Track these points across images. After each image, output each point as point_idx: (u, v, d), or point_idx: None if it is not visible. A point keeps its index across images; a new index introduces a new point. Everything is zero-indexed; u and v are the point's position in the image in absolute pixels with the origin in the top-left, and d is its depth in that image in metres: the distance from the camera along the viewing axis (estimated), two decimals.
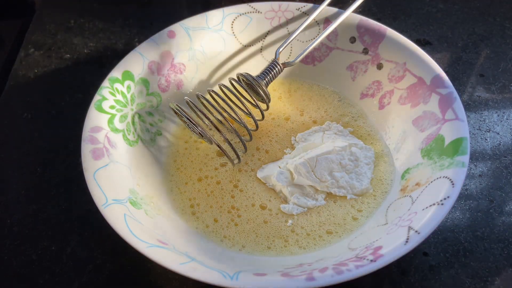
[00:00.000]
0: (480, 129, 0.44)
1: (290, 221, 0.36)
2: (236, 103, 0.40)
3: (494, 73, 0.49)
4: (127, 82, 0.39)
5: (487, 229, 0.38)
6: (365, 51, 0.42)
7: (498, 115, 0.45)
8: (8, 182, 0.42)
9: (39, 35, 0.55)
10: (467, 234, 0.37)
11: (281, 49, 0.40)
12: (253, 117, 0.39)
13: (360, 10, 0.56)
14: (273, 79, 0.40)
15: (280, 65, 0.40)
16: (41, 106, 0.48)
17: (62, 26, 0.56)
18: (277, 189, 0.38)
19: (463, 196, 0.40)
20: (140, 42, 0.42)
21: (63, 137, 0.45)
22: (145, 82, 0.40)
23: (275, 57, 0.40)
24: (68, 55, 0.53)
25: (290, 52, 0.45)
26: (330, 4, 0.43)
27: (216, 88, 0.40)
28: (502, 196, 0.40)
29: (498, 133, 0.44)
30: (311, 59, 0.45)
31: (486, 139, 0.44)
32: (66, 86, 0.50)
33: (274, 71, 0.39)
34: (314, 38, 0.44)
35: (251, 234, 0.36)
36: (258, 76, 0.39)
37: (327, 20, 0.43)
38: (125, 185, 0.34)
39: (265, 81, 0.39)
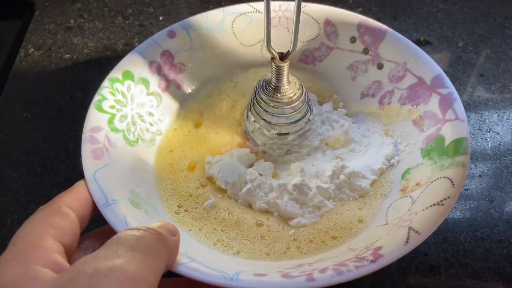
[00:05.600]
0: (480, 129, 0.44)
1: (292, 231, 0.35)
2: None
3: (494, 73, 0.49)
4: (127, 82, 0.39)
5: (487, 229, 0.38)
6: (365, 51, 0.42)
7: (498, 115, 0.45)
8: (8, 182, 0.42)
9: (39, 35, 0.55)
10: (467, 234, 0.37)
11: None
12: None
13: (360, 10, 0.56)
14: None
15: (279, 62, 0.37)
16: (41, 106, 0.48)
17: (62, 26, 0.56)
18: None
19: (463, 196, 0.40)
20: (140, 42, 0.42)
21: (63, 137, 0.45)
22: (145, 82, 0.40)
23: (273, 55, 0.37)
24: (68, 55, 0.53)
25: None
26: (330, 4, 0.43)
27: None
28: (502, 196, 0.40)
29: (498, 133, 0.44)
30: (311, 59, 0.45)
31: (486, 139, 0.44)
32: (66, 86, 0.50)
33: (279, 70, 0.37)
34: (314, 38, 0.44)
35: (246, 243, 0.34)
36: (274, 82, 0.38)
37: (328, 20, 0.43)
38: (125, 185, 0.34)
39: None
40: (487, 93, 0.47)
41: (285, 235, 0.35)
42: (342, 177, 0.37)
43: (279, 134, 0.39)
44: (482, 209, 0.39)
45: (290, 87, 0.38)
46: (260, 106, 0.38)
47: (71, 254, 0.27)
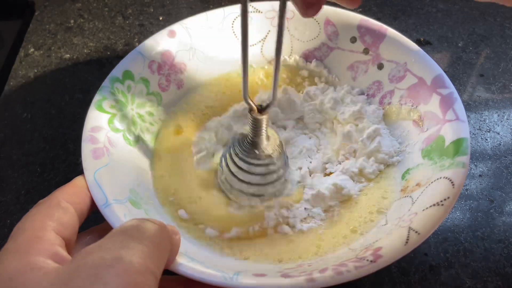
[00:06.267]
0: (480, 129, 0.44)
1: (321, 230, 0.34)
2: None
3: (494, 73, 0.49)
4: (127, 82, 0.39)
5: (487, 229, 0.38)
6: (366, 51, 0.42)
7: (498, 115, 0.45)
8: (8, 182, 0.42)
9: (39, 35, 0.55)
10: (467, 234, 0.37)
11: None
12: None
13: (360, 10, 0.56)
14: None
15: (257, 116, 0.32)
16: (41, 106, 0.48)
17: (62, 26, 0.56)
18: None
19: (463, 196, 0.40)
20: (140, 42, 0.42)
21: (63, 137, 0.45)
22: (145, 81, 0.40)
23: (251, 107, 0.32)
24: (68, 55, 0.53)
25: (291, 51, 0.45)
26: (330, 4, 0.43)
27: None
28: (503, 196, 0.40)
29: (498, 133, 0.44)
30: (311, 59, 0.45)
31: (486, 139, 0.44)
32: (66, 86, 0.50)
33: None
34: (315, 38, 0.44)
35: (263, 249, 0.34)
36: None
37: (328, 20, 0.43)
38: (125, 185, 0.34)
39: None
40: (487, 93, 0.47)
41: (313, 237, 0.34)
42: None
43: (253, 195, 0.35)
44: (482, 209, 0.39)
45: (269, 143, 0.34)
46: (234, 163, 0.35)
47: (70, 248, 0.27)
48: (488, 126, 0.45)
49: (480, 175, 0.41)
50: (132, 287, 0.20)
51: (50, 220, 0.26)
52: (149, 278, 0.21)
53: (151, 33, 0.42)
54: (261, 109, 0.32)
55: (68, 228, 0.27)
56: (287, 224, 0.35)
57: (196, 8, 0.57)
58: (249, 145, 0.34)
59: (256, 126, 0.33)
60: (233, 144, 0.35)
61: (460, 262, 0.36)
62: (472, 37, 0.53)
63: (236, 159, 0.34)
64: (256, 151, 0.34)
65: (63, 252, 0.24)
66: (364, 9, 0.56)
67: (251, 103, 0.31)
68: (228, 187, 0.36)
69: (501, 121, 0.45)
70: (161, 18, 0.56)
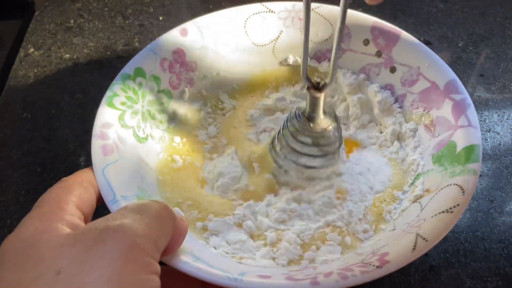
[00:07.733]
0: (480, 129, 0.44)
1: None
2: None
3: (494, 73, 0.49)
4: (138, 79, 0.38)
5: (487, 229, 0.38)
6: (379, 54, 0.41)
7: (498, 115, 0.45)
8: (8, 182, 0.42)
9: (39, 35, 0.55)
10: (467, 234, 0.37)
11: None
12: None
13: (360, 10, 0.56)
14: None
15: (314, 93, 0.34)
16: (41, 106, 0.48)
17: (62, 26, 0.56)
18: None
19: None
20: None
21: (63, 137, 0.45)
22: (156, 79, 0.40)
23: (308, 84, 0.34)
24: (68, 55, 0.53)
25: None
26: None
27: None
28: (503, 196, 0.40)
29: (498, 133, 0.44)
30: (324, 60, 0.44)
31: (486, 139, 0.44)
32: (66, 86, 0.50)
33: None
34: (327, 40, 0.44)
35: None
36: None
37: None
38: (134, 182, 0.34)
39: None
40: (487, 93, 0.47)
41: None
42: None
43: (306, 167, 0.37)
44: (482, 209, 0.39)
45: (325, 118, 0.36)
46: (291, 135, 0.36)
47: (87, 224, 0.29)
48: (488, 126, 0.45)
49: (480, 175, 0.41)
50: (131, 247, 0.23)
51: (72, 195, 0.29)
52: (147, 242, 0.24)
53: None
54: (319, 87, 0.33)
55: (87, 205, 0.29)
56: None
57: (196, 8, 0.57)
58: (306, 119, 0.36)
59: (313, 103, 0.35)
60: (289, 117, 0.37)
61: (460, 262, 0.36)
62: (472, 37, 0.53)
63: (292, 130, 0.36)
64: (311, 124, 0.36)
65: (81, 223, 0.27)
66: (364, 9, 0.56)
67: (309, 81, 0.33)
68: (282, 157, 0.37)
69: (501, 121, 0.45)
70: (161, 18, 0.56)
